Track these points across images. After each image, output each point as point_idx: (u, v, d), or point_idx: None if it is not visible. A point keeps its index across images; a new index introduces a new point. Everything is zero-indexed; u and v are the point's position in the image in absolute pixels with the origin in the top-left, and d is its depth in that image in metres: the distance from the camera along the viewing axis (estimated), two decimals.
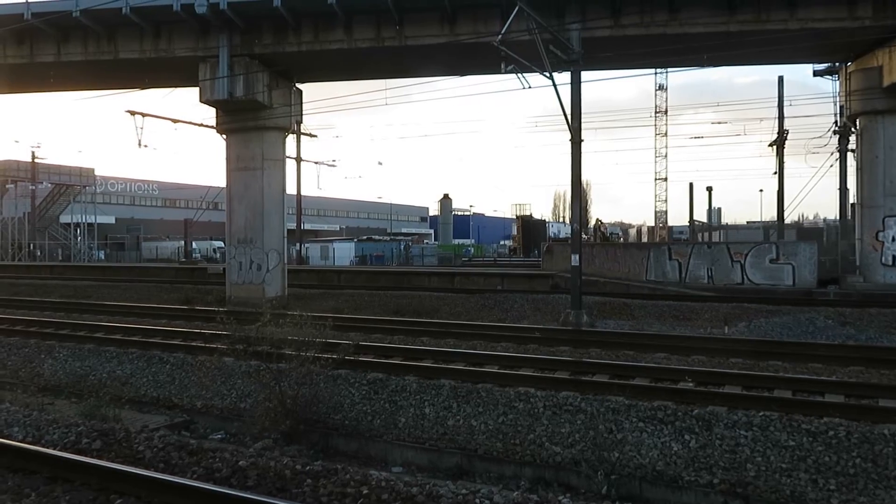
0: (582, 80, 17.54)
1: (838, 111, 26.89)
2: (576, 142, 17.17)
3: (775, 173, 32.93)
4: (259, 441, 8.74)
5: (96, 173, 60.11)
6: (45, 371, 12.22)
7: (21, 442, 7.11)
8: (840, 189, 28.73)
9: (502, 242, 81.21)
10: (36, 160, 51.89)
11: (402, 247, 54.90)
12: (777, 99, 32.58)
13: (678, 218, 64.01)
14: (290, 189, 30.87)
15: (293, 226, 39.41)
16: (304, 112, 25.96)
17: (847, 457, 7.02)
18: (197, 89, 23.01)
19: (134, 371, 11.66)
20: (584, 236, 32.51)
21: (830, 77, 28.01)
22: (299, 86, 25.47)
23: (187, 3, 20.71)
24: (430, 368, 10.64)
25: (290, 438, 8.79)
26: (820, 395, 8.86)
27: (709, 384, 9.46)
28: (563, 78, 17.53)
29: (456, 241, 76.39)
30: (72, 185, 56.01)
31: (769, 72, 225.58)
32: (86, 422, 7.95)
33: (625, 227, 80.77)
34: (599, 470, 7.57)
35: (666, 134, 55.88)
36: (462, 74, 24.52)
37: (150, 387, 11.16)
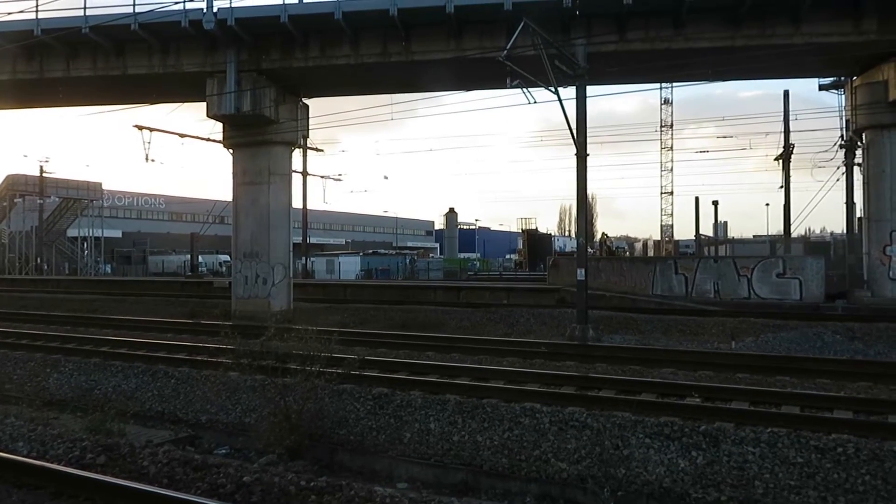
0: (587, 94, 17.59)
1: (844, 125, 26.88)
2: (581, 156, 17.19)
3: (781, 187, 32.91)
4: (264, 456, 8.71)
5: (104, 187, 60.46)
6: (51, 385, 12.23)
7: (26, 457, 7.10)
8: (847, 203, 28.64)
9: (508, 256, 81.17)
10: (44, 174, 52.23)
11: (408, 261, 54.92)
12: (783, 113, 32.61)
13: (684, 232, 63.88)
14: (296, 203, 30.99)
15: (299, 240, 39.50)
16: (310, 127, 26.09)
17: (856, 474, 6.94)
18: (204, 104, 23.18)
19: (139, 385, 11.65)
20: (589, 250, 32.47)
21: (836, 91, 28.03)
22: (306, 101, 25.62)
23: (195, 19, 20.91)
24: (435, 383, 10.59)
25: (295, 454, 8.76)
26: (828, 412, 8.78)
27: (716, 400, 9.40)
28: (568, 93, 17.60)
29: (461, 255, 76.41)
30: (79, 199, 56.34)
31: (773, 86, 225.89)
32: (90, 436, 7.94)
33: (630, 241, 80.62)
34: (606, 486, 7.51)
35: (671, 148, 56.00)
36: (468, 89, 24.67)
37: (155, 401, 11.15)
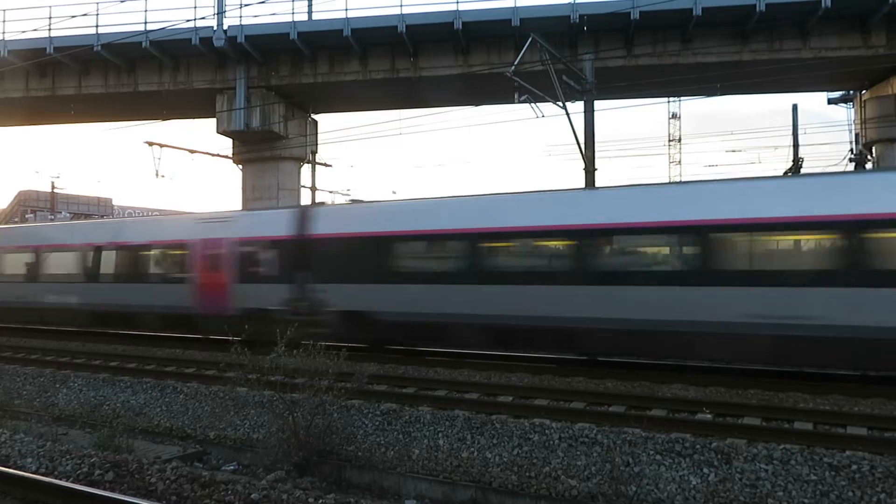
0: (595, 108, 17.61)
1: (854, 139, 26.80)
2: (589, 171, 17.18)
3: None
4: (272, 472, 8.66)
5: (114, 203, 60.97)
6: (60, 401, 12.24)
7: (34, 473, 7.10)
8: None
9: None
10: (55, 190, 52.69)
11: None
12: (792, 126, 32.49)
13: None
14: None
15: None
16: (319, 142, 26.24)
17: (871, 492, 6.84)
18: (214, 120, 23.37)
19: (148, 401, 11.65)
20: None
21: (845, 105, 27.96)
22: (315, 116, 25.78)
23: (206, 36, 21.12)
24: (444, 399, 10.56)
25: (303, 470, 8.71)
26: (842, 428, 8.68)
27: (727, 416, 9.31)
28: (576, 107, 17.65)
29: None
30: (90, 214, 56.75)
31: (779, 101, 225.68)
32: (99, 452, 7.93)
33: None
34: None
35: (680, 162, 55.79)
36: (476, 104, 24.81)
37: (163, 417, 11.14)
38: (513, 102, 16.50)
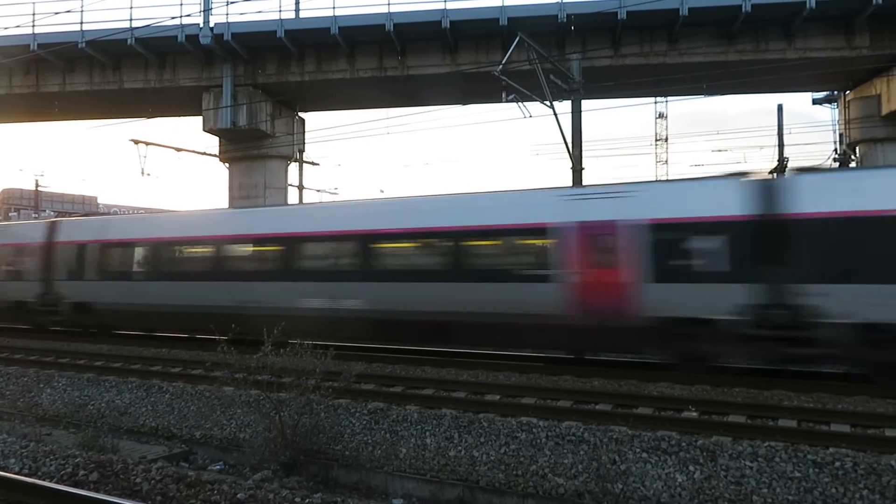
0: (582, 108, 17.67)
1: (838, 139, 27.05)
2: (576, 170, 17.23)
3: None
4: (258, 472, 8.63)
5: (99, 201, 60.52)
6: (44, 401, 12.13)
7: (17, 474, 7.03)
8: None
9: None
10: (39, 188, 52.20)
11: None
12: (777, 126, 32.71)
13: None
14: None
15: None
16: (306, 140, 26.16)
17: (854, 488, 6.91)
18: (200, 118, 23.23)
19: (133, 400, 11.57)
20: None
21: (829, 105, 28.21)
22: (302, 115, 25.68)
23: (192, 34, 20.99)
24: (431, 398, 10.56)
25: (290, 469, 8.68)
26: (826, 425, 8.76)
27: (713, 413, 9.38)
28: (564, 107, 17.69)
29: None
30: (75, 213, 56.29)
31: (765, 101, 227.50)
32: (83, 453, 7.87)
33: None
34: (603, 502, 7.47)
35: (666, 161, 56.07)
36: (464, 103, 24.81)
37: (149, 416, 11.07)
38: (501, 102, 16.53)
